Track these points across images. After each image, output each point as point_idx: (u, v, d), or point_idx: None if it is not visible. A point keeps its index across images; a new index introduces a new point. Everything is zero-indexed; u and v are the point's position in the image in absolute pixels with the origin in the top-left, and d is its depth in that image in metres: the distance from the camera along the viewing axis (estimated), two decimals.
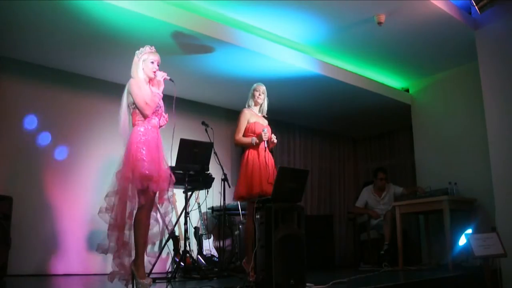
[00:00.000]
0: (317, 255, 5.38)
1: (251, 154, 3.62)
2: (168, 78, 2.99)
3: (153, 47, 3.00)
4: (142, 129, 2.83)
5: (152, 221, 2.85)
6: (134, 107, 2.85)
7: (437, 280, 3.62)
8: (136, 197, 2.77)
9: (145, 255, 2.80)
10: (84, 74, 4.86)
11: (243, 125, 3.67)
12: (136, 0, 3.66)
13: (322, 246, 5.63)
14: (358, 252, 6.15)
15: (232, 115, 5.60)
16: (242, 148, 3.78)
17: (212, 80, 5.09)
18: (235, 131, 3.70)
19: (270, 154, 3.71)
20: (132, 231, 2.75)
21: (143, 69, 2.93)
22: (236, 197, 3.66)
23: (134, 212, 2.77)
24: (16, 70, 4.47)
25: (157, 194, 2.85)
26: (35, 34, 3.99)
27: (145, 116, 2.84)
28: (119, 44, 4.14)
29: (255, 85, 3.80)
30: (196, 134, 4.39)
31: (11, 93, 4.42)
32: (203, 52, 4.41)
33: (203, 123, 4.28)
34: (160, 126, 3.00)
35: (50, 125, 4.61)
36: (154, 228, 2.88)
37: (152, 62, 2.94)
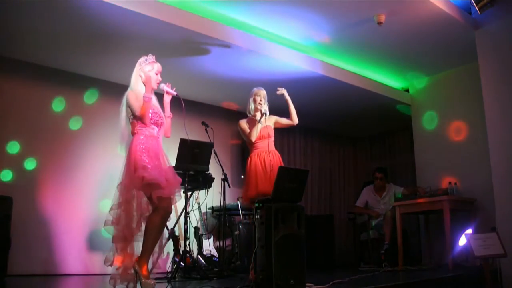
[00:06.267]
0: (317, 255, 5.38)
1: (254, 157, 3.58)
2: (175, 93, 3.01)
3: (154, 56, 3.00)
4: (142, 137, 2.83)
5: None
6: (133, 117, 2.87)
7: (437, 280, 3.62)
8: (143, 205, 2.77)
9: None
10: (87, 75, 4.85)
11: (246, 127, 3.64)
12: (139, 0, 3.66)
13: (322, 246, 5.62)
14: (358, 252, 6.14)
15: (232, 115, 5.61)
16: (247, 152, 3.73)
17: (212, 80, 5.09)
18: (245, 137, 3.66)
19: (275, 155, 3.63)
20: (138, 242, 2.73)
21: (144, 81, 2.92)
22: (246, 199, 3.59)
23: (143, 222, 2.75)
24: (15, 70, 4.46)
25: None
26: (39, 36, 3.99)
27: (145, 123, 2.85)
28: (119, 44, 4.14)
29: (255, 89, 3.71)
30: (196, 134, 4.39)
31: (11, 93, 4.41)
32: (203, 53, 4.41)
33: (203, 123, 4.28)
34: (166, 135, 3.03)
35: (50, 125, 4.61)
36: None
37: (156, 74, 2.96)
